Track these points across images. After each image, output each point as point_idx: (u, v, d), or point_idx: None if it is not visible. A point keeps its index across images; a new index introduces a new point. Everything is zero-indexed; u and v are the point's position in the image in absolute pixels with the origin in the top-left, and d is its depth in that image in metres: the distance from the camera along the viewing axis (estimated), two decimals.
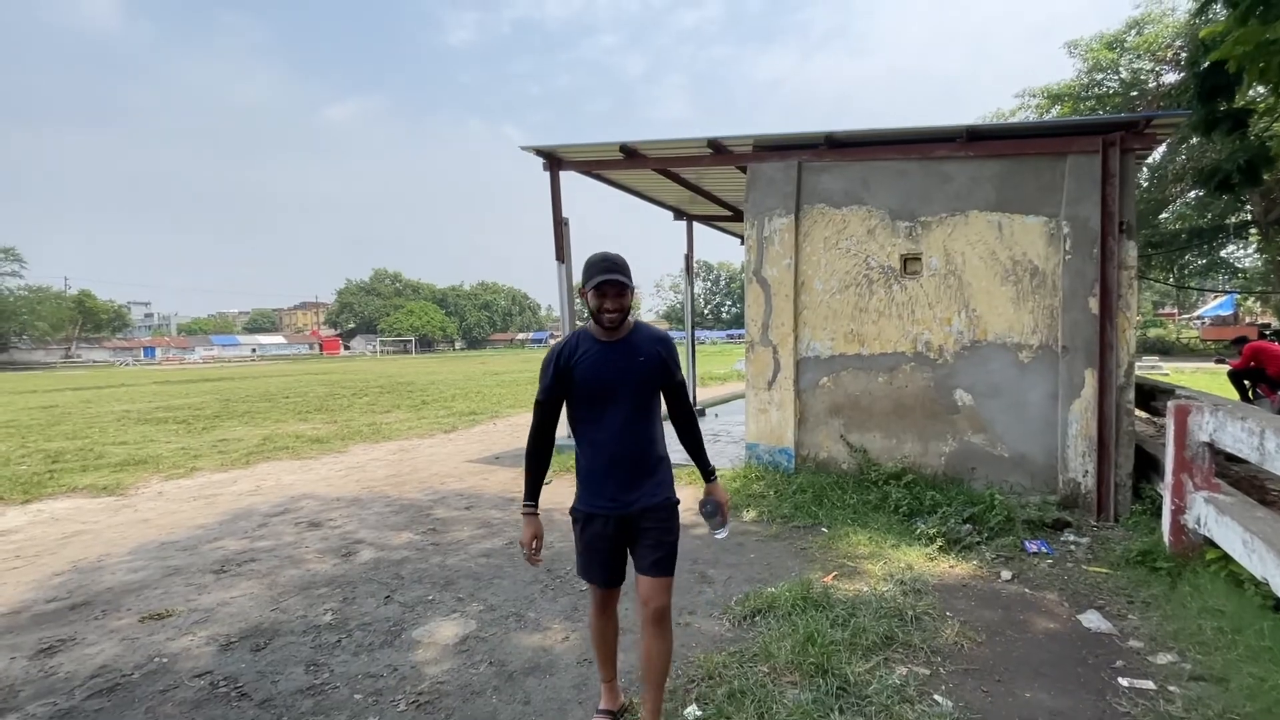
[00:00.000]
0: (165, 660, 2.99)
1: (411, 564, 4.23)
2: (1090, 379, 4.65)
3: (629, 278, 2.07)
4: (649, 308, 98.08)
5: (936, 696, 2.54)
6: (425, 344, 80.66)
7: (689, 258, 10.06)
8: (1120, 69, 22.62)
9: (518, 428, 10.31)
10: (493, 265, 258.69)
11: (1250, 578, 3.03)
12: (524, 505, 2.27)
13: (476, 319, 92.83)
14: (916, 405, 5.23)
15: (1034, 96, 24.87)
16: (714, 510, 2.38)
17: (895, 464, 5.25)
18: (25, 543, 4.87)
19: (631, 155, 6.58)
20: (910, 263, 5.27)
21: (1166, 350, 27.64)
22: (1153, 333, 32.21)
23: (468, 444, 8.95)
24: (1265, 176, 8.48)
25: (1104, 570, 3.81)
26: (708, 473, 2.40)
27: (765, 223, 5.78)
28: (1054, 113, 22.59)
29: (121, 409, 14.33)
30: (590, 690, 2.67)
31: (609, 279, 2.01)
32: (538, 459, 2.26)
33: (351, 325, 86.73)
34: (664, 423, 2.31)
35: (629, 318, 2.15)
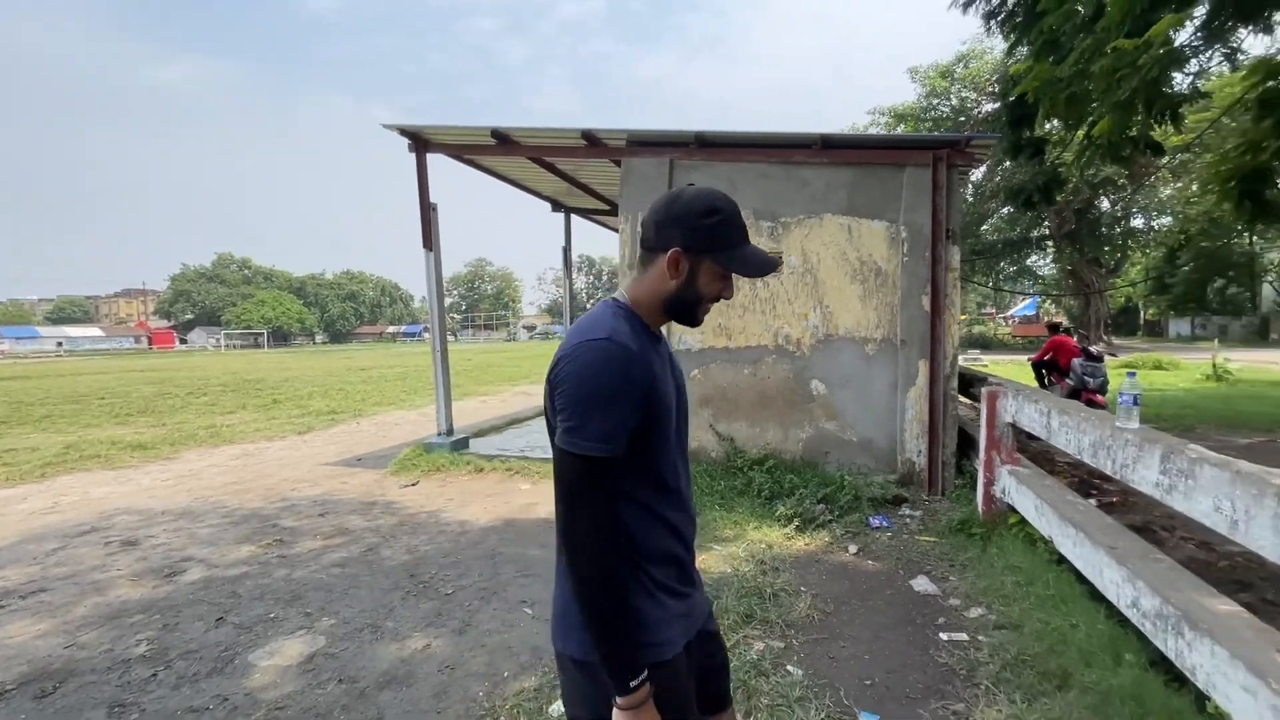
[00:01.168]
0: None
1: (251, 580, 3.80)
2: (923, 369, 5.20)
3: None
4: (530, 300, 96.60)
5: (789, 667, 2.71)
6: (280, 337, 73.40)
7: (567, 250, 9.98)
8: (951, 96, 25.59)
9: (385, 427, 9.67)
10: (361, 253, 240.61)
11: (1041, 537, 3.54)
12: (633, 674, 1.03)
13: (340, 310, 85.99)
14: (778, 395, 5.56)
15: (883, 115, 27.41)
16: None
17: (759, 451, 5.55)
18: None
19: (504, 141, 6.37)
20: None
21: (987, 345, 31.72)
22: (976, 329, 36.91)
23: (325, 446, 8.24)
24: (1058, 197, 9.95)
25: (932, 539, 4.28)
26: None
27: (639, 218, 5.84)
28: (899, 129, 25.10)
29: None
30: (451, 698, 2.54)
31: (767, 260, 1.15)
32: (628, 568, 1.09)
33: (189, 316, 76.69)
34: None
35: None
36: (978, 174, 25.49)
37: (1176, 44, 5.46)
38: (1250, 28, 6.59)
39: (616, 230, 7.24)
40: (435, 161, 6.91)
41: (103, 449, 7.93)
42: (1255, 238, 26.40)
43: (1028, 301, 42.04)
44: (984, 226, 27.98)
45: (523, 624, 3.19)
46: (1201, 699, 2.02)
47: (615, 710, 1.02)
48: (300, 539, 4.54)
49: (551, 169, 7.76)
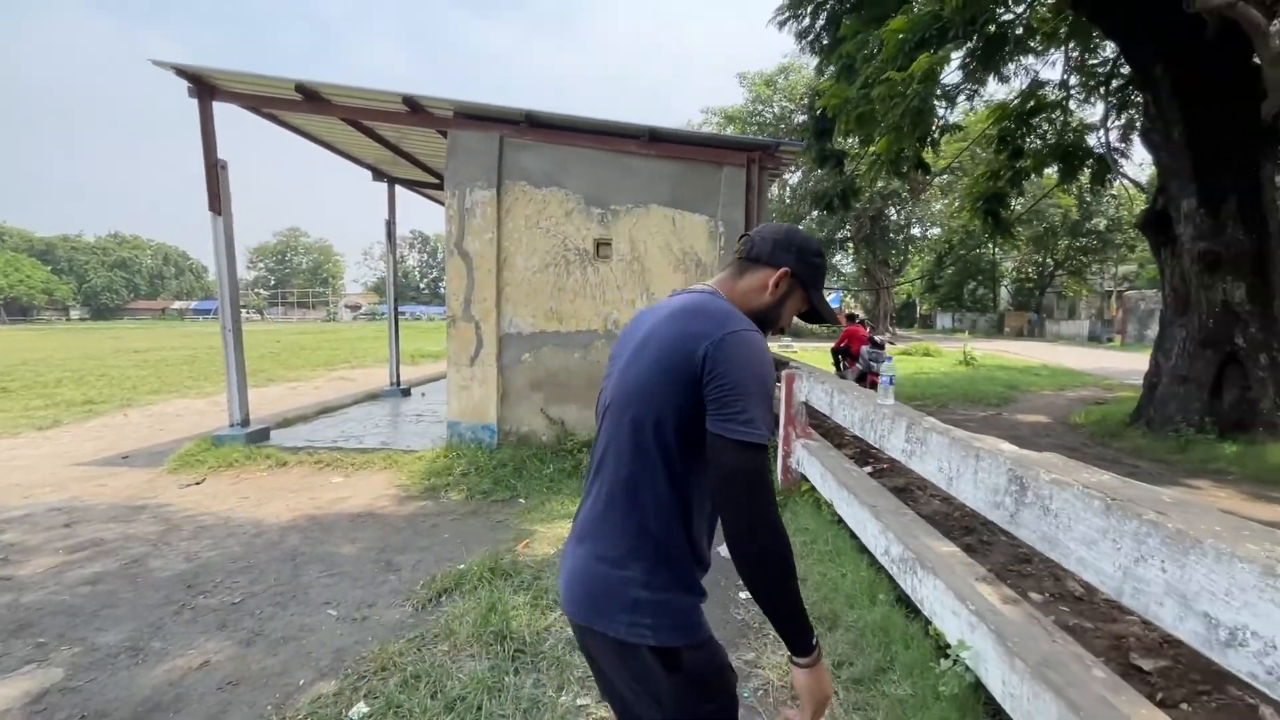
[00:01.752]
0: None
1: None
2: None
3: None
4: (354, 278, 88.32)
5: None
6: (18, 311, 59.42)
7: (390, 224, 9.26)
8: (774, 104, 27.88)
9: (162, 419, 8.29)
10: (138, 214, 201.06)
11: (826, 501, 4.05)
12: (808, 647, 1.07)
13: (107, 280, 71.68)
14: None
15: (714, 115, 29.04)
16: None
17: (589, 433, 5.67)
18: None
19: (313, 98, 5.73)
20: (602, 247, 5.68)
21: (799, 334, 35.34)
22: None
23: (78, 443, 6.86)
24: (855, 204, 11.32)
25: None
26: None
27: (467, 194, 5.61)
28: (729, 130, 26.79)
29: None
30: (230, 718, 2.28)
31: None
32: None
33: None
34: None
35: None
36: (795, 178, 28.23)
37: (944, 82, 6.46)
38: (993, 75, 7.98)
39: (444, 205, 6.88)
40: (230, 114, 6.02)
41: None
42: (996, 249, 32.50)
43: (833, 295, 47.66)
44: (799, 226, 31.05)
45: (324, 626, 2.95)
46: (929, 625, 2.47)
47: (805, 672, 1.07)
48: (33, 556, 3.74)
49: (371, 134, 7.14)
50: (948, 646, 2.16)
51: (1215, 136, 6.53)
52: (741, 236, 1.31)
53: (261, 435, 6.27)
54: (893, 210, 30.55)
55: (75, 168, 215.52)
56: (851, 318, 11.46)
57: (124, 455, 6.26)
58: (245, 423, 6.17)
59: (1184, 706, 2.35)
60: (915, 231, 33.93)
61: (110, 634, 2.86)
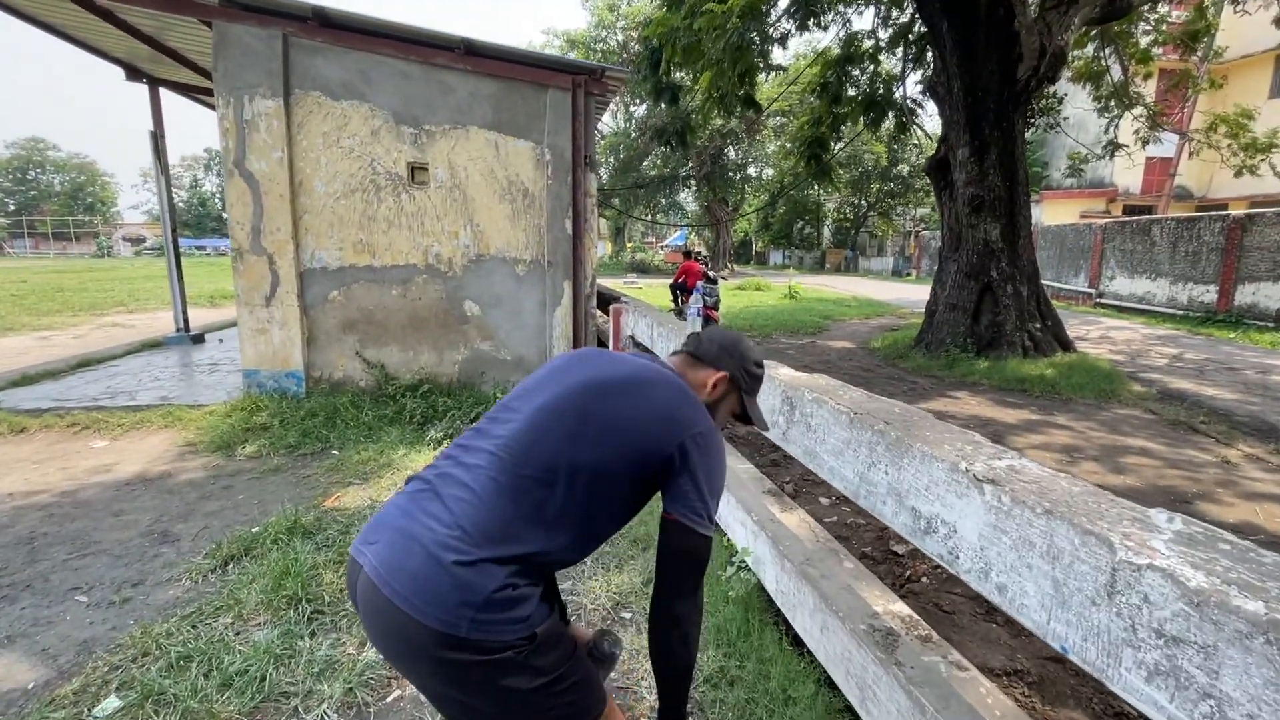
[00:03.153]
0: None
1: None
2: (568, 289, 5.57)
3: None
4: (131, 204, 73.58)
5: None
6: None
7: (156, 135, 7.66)
8: (617, 30, 27.04)
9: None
10: None
11: None
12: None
13: None
14: (431, 317, 5.35)
15: (556, 37, 27.57)
16: None
17: (413, 376, 5.32)
18: None
19: None
20: (418, 172, 5.18)
21: (645, 270, 36.09)
22: (639, 256, 41.62)
23: None
24: (693, 140, 11.47)
25: None
26: None
27: (246, 103, 4.76)
28: (572, 55, 25.62)
29: None
30: None
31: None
32: None
33: None
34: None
35: None
36: (640, 110, 27.99)
37: (769, 18, 6.57)
38: (812, 21, 8.28)
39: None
40: None
41: None
42: (820, 191, 35.26)
43: (679, 233, 49.03)
44: (644, 163, 31.13)
45: (70, 616, 2.50)
46: (724, 537, 2.68)
47: None
48: None
49: (117, 21, 5.74)
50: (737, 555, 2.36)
51: (985, 93, 7.45)
52: (691, 334, 1.45)
53: None
54: (731, 150, 31.66)
55: None
56: (688, 254, 11.88)
57: None
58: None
59: (924, 580, 2.81)
60: (752, 171, 35.61)
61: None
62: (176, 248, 8.11)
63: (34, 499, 3.61)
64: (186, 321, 8.30)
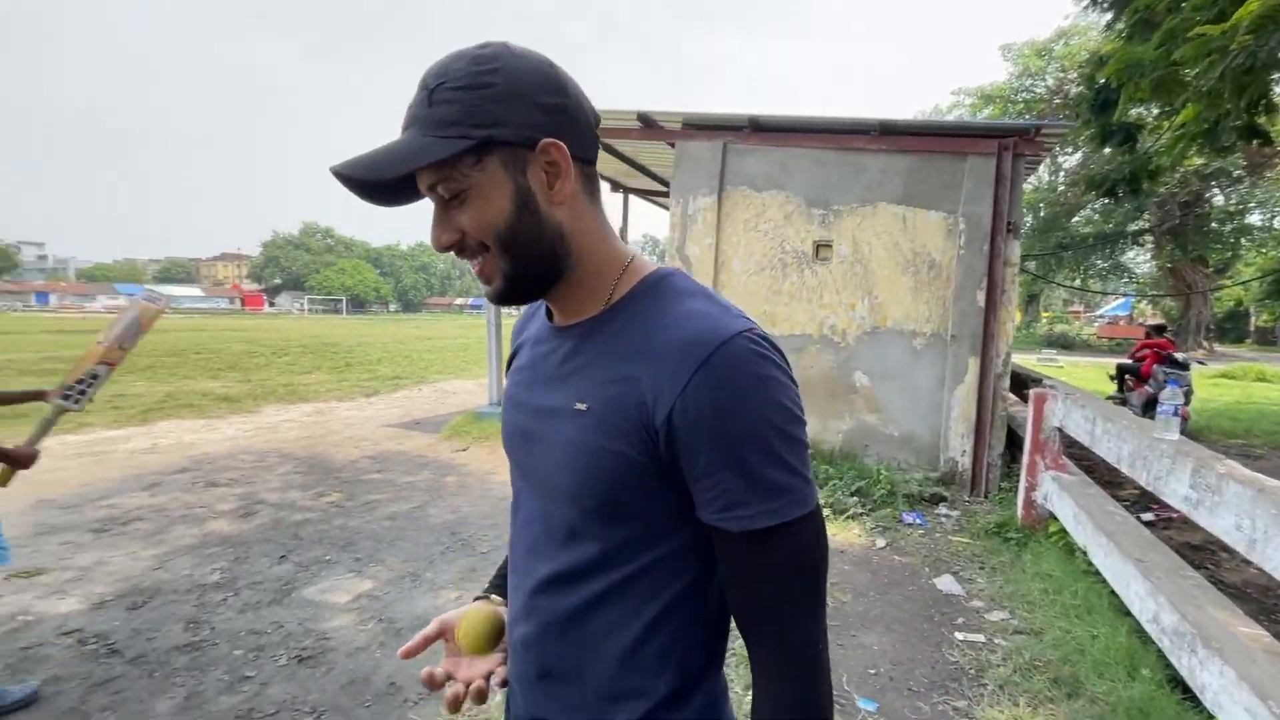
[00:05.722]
0: (30, 618, 2.88)
1: (313, 525, 4.19)
2: (973, 366, 5.04)
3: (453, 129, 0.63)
4: None
5: None
6: (358, 305, 77.44)
7: (623, 232, 10.09)
8: (1048, 76, 23.86)
9: (443, 394, 10.18)
10: None
11: (1079, 547, 3.43)
12: None
13: (413, 281, 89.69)
14: (820, 385, 5.52)
15: (968, 95, 25.90)
16: None
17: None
18: None
19: None
20: (822, 249, 5.50)
21: (1068, 345, 29.82)
22: (1058, 328, 34.67)
23: (388, 409, 8.78)
24: (1145, 187, 9.20)
25: (965, 540, 4.20)
26: None
27: (690, 201, 5.88)
28: (986, 113, 23.63)
29: (2, 358, 13.17)
30: None
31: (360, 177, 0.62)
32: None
33: (278, 281, 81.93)
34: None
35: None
36: (1072, 160, 23.83)
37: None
38: None
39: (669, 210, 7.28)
40: None
41: (195, 399, 8.75)
42: None
43: (1120, 301, 39.12)
44: (1075, 219, 26.13)
45: None
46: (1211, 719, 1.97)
47: None
48: (358, 493, 4.93)
49: (610, 150, 7.87)
50: None
51: None
52: None
53: None
54: (1218, 193, 24.00)
55: None
56: (1159, 329, 9.04)
57: (416, 421, 7.85)
58: (500, 402, 7.30)
59: None
60: (1254, 219, 26.17)
61: (400, 560, 3.66)
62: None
63: None
64: None
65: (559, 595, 0.72)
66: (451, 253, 0.67)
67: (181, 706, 2.33)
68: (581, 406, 0.67)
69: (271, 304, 75.42)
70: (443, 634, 0.85)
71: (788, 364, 0.67)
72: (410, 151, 0.61)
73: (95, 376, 2.19)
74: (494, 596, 0.89)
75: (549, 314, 0.77)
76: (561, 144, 0.63)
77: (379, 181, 0.62)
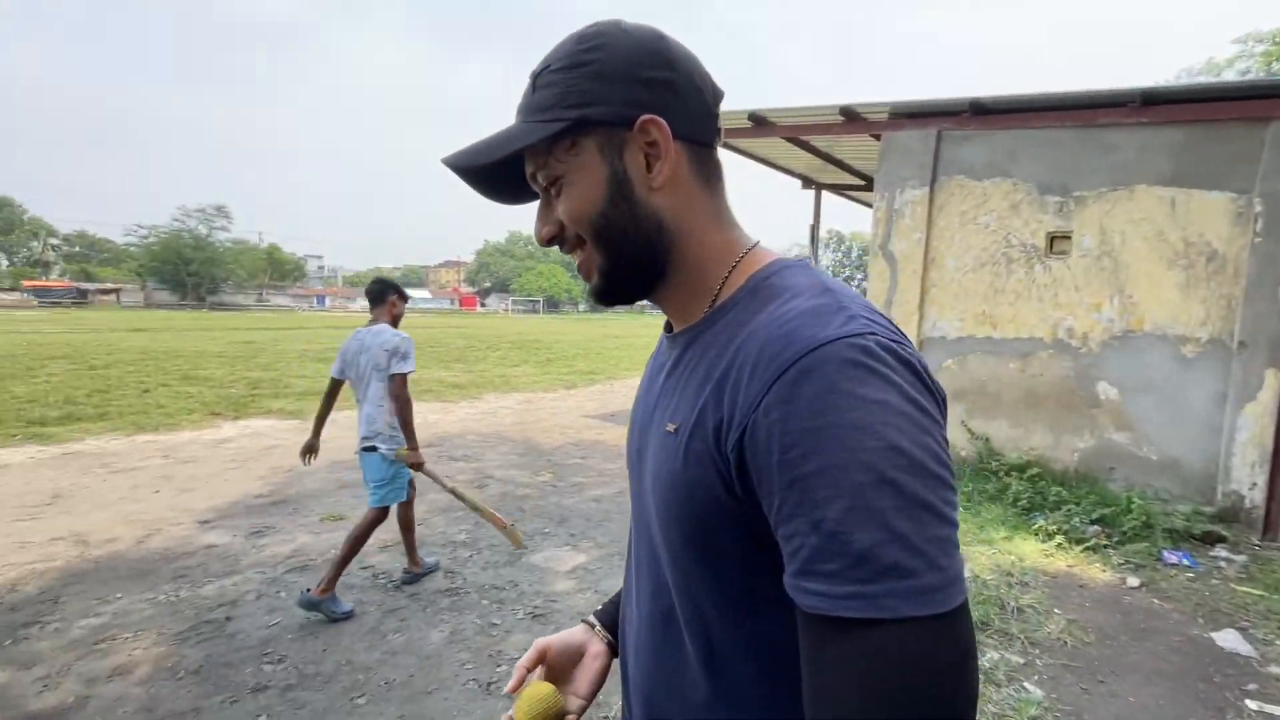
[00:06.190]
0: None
1: (533, 500, 4.73)
2: (1271, 380, 4.08)
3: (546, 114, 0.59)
4: None
5: (1027, 684, 2.52)
6: (552, 305, 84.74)
7: (814, 228, 9.78)
8: None
9: (632, 389, 10.77)
10: None
11: None
12: None
13: None
14: (1051, 395, 4.87)
15: (1260, 42, 20.83)
16: None
17: (1020, 455, 4.95)
18: (238, 451, 6.02)
19: (760, 124, 6.52)
20: (1058, 241, 4.84)
21: None
22: None
23: (586, 400, 9.53)
24: None
25: (1258, 592, 3.43)
26: None
27: (896, 195, 5.54)
28: None
29: (301, 348, 16.67)
30: None
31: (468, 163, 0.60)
32: None
33: (488, 284, 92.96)
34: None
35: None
36: None
37: None
38: None
39: (870, 205, 6.90)
40: None
41: (433, 385, 10.31)
42: None
43: None
44: None
45: None
46: None
47: None
48: (568, 474, 5.45)
49: (806, 146, 7.69)
50: None
51: None
52: None
53: None
54: None
55: None
56: None
57: (611, 414, 8.42)
58: None
59: None
60: None
61: (608, 538, 4.00)
62: None
63: None
64: None
65: (656, 646, 0.63)
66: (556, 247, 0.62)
67: (448, 639, 2.81)
68: (670, 428, 0.57)
69: (483, 304, 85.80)
70: (542, 659, 0.75)
71: (930, 388, 0.49)
72: (506, 138, 0.58)
73: (476, 507, 3.14)
74: (596, 625, 0.81)
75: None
76: (661, 121, 0.56)
77: (482, 170, 0.60)
